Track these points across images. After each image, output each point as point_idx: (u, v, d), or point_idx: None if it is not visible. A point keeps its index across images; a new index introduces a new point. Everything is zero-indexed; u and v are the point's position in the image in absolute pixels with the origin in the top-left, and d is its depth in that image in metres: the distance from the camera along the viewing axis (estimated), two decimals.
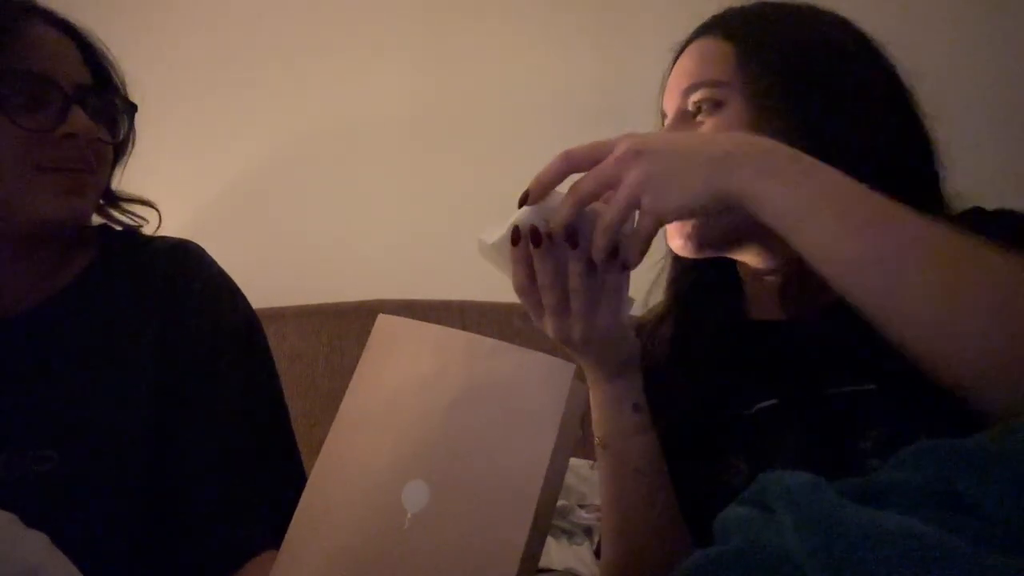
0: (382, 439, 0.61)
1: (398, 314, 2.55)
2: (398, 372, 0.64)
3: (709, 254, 0.79)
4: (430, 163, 2.18)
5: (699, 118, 0.78)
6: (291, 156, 2.25)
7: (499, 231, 0.68)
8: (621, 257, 0.65)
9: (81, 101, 0.80)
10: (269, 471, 0.83)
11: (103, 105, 0.84)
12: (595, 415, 0.76)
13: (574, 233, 0.65)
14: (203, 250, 0.93)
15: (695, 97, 0.79)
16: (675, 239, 0.79)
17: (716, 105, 0.77)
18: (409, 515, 0.56)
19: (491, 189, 2.10)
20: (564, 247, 0.66)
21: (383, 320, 0.65)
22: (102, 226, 0.93)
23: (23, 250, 0.82)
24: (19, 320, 0.82)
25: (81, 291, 0.85)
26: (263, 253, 2.08)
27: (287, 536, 0.59)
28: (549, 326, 0.70)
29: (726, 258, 0.81)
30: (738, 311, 0.85)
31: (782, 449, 0.71)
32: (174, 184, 1.97)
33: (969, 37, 1.78)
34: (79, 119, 0.78)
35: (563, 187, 0.69)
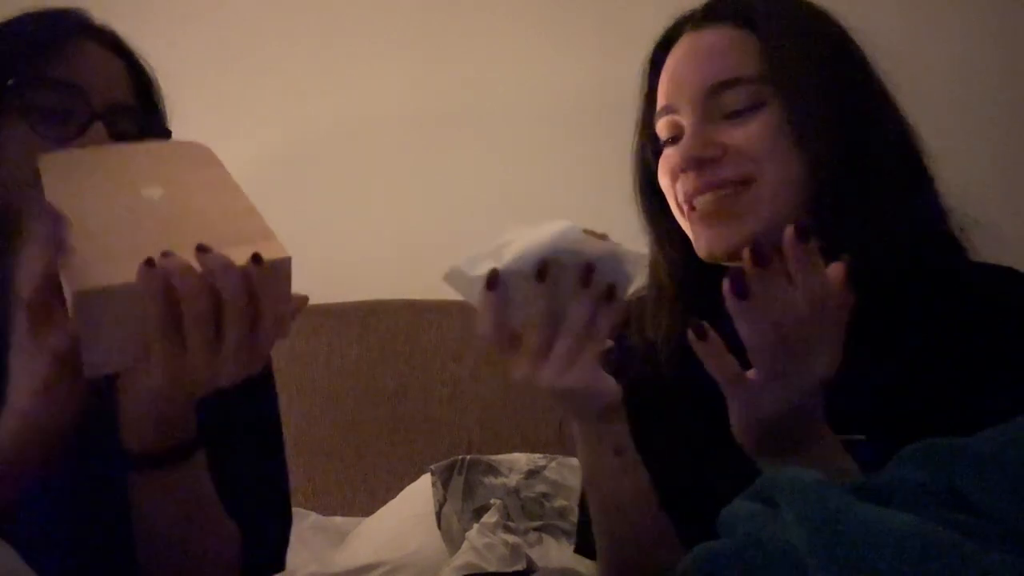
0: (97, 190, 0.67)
1: (398, 314, 2.55)
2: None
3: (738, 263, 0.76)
4: (431, 163, 2.18)
5: (734, 120, 0.73)
6: (290, 156, 2.25)
7: (486, 263, 0.64)
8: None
9: (109, 118, 0.81)
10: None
11: (136, 127, 0.85)
12: (579, 452, 0.72)
13: (591, 272, 0.62)
14: None
15: (731, 96, 0.73)
16: (717, 241, 0.74)
17: (757, 105, 0.73)
18: (156, 195, 0.65)
19: (491, 189, 2.11)
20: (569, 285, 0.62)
21: (45, 159, 0.70)
22: None
23: None
24: None
25: None
26: None
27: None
28: (523, 368, 0.65)
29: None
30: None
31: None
32: None
33: (970, 36, 1.79)
34: (96, 134, 0.79)
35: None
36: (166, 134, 0.91)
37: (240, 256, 0.59)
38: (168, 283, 0.56)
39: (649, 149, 0.83)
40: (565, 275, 0.62)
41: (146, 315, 0.56)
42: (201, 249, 0.58)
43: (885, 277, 0.70)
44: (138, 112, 0.85)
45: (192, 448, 0.67)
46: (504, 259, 0.62)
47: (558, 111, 2.04)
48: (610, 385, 0.67)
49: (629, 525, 0.72)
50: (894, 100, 0.78)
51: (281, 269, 0.60)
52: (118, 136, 0.81)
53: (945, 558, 0.39)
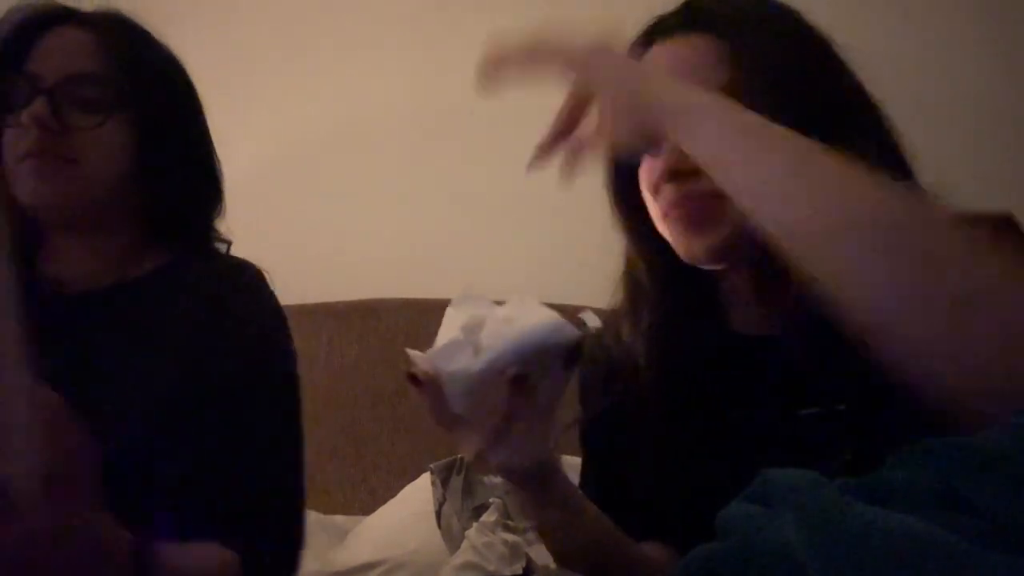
0: None
1: (398, 313, 2.54)
2: None
3: (718, 265, 0.78)
4: (430, 163, 2.19)
5: None
6: (290, 156, 2.25)
7: (461, 356, 0.68)
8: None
9: (58, 92, 0.82)
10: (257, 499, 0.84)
11: (98, 91, 0.85)
12: (525, 512, 0.76)
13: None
14: (262, 276, 0.97)
15: None
16: (697, 245, 0.76)
17: None
18: None
19: (491, 188, 2.11)
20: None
21: None
22: (185, 233, 0.96)
23: (78, 235, 0.89)
24: (79, 298, 0.87)
25: (142, 288, 0.89)
26: (262, 252, 2.07)
27: None
28: (476, 447, 0.68)
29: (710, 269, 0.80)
30: (721, 323, 0.83)
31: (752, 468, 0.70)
32: None
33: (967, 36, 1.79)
34: (33, 108, 0.81)
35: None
36: (143, 95, 0.89)
37: None
38: None
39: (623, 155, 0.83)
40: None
41: None
42: None
43: None
44: (99, 77, 0.86)
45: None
46: (480, 362, 0.66)
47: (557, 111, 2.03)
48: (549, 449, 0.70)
49: (594, 561, 0.73)
50: (870, 96, 0.78)
51: None
52: (79, 103, 0.83)
53: (943, 558, 0.39)
